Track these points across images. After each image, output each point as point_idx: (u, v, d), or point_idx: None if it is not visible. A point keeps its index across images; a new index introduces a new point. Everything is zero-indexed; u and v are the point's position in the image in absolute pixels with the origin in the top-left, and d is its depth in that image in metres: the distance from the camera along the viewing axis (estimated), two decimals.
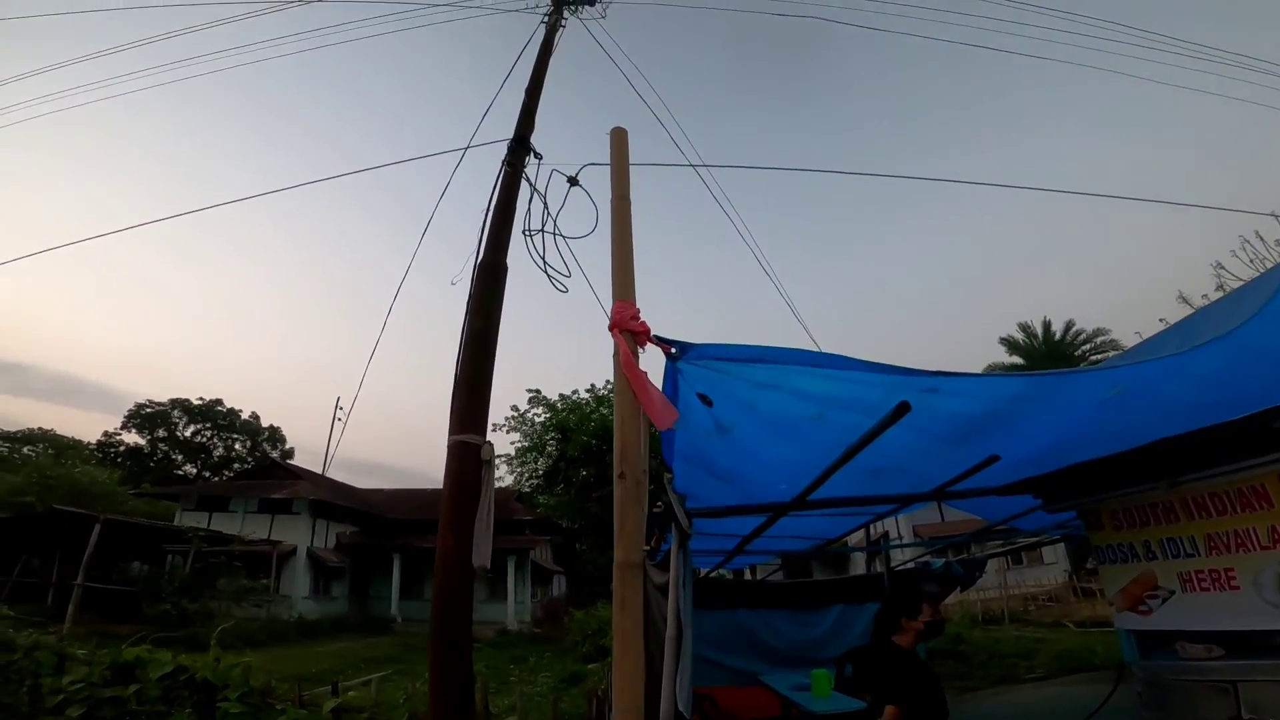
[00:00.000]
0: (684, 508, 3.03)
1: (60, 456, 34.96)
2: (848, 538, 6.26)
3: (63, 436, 42.13)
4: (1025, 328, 30.18)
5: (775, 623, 6.63)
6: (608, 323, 1.83)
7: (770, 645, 6.49)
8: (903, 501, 3.40)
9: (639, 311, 1.83)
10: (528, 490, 26.29)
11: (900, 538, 10.02)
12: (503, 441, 25.25)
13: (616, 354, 1.81)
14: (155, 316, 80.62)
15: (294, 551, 24.49)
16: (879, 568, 8.09)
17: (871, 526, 6.79)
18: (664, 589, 3.46)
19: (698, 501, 3.14)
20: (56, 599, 18.07)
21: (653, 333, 1.75)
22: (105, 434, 43.50)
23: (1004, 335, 30.52)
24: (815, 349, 1.74)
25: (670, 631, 3.25)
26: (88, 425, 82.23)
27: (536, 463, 25.52)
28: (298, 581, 24.12)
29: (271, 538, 24.53)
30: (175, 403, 44.50)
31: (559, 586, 30.32)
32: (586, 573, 25.99)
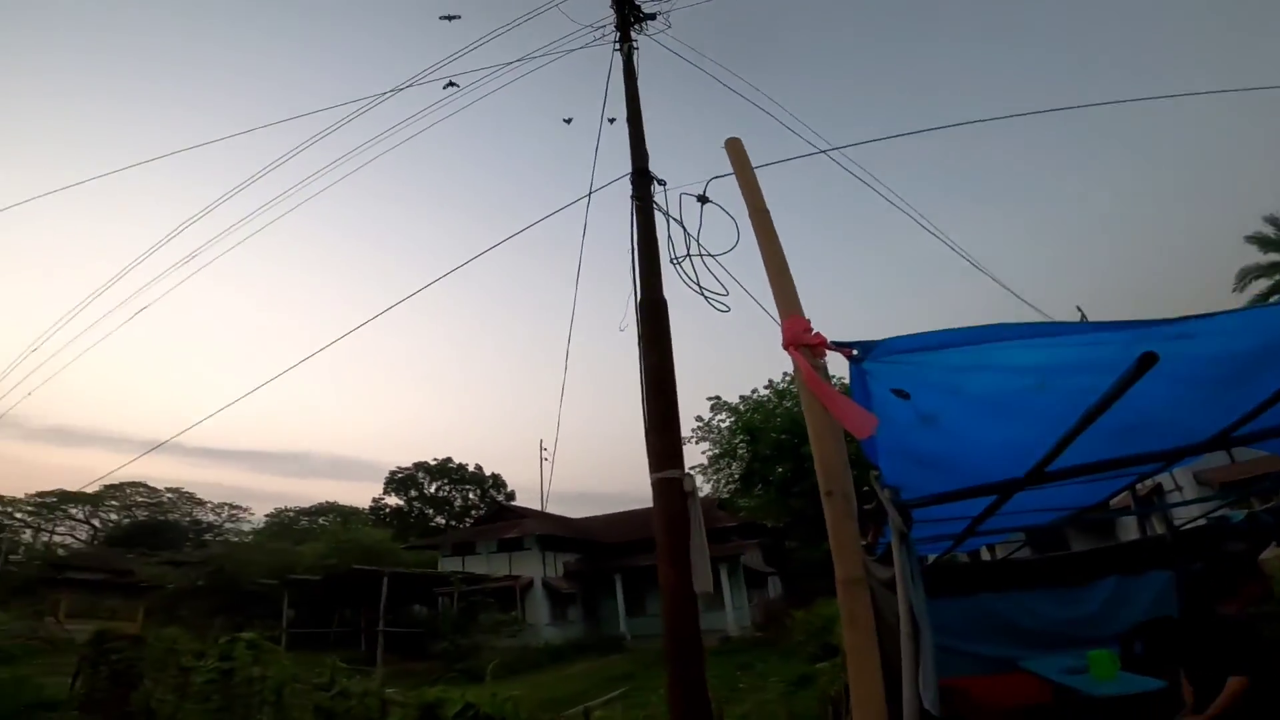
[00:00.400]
0: (898, 501, 2.85)
1: (346, 523, 43.03)
2: (1110, 501, 5.37)
3: (344, 506, 51.96)
4: (1275, 220, 24.09)
5: (1030, 604, 5.85)
6: (781, 340, 1.80)
7: (1026, 628, 5.76)
8: (1171, 458, 2.85)
9: (810, 323, 1.78)
10: (727, 496, 26.48)
11: (1178, 490, 8.21)
12: (693, 452, 25.68)
13: (797, 372, 1.78)
14: (389, 392, 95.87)
15: (531, 584, 27.15)
16: (1156, 529, 6.79)
17: (1137, 485, 5.74)
18: (888, 584, 3.26)
19: (911, 492, 2.93)
20: (366, 643, 21.99)
21: (829, 340, 1.70)
22: (373, 500, 52.29)
23: (1251, 233, 24.69)
24: (1034, 317, 1.57)
25: (905, 630, 3.03)
26: (358, 494, 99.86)
27: (730, 467, 25.67)
28: (539, 610, 26.59)
29: (512, 573, 27.55)
30: (418, 465, 52.17)
31: (774, 588, 29.81)
32: (799, 570, 25.34)
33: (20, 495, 47.79)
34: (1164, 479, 8.04)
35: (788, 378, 25.72)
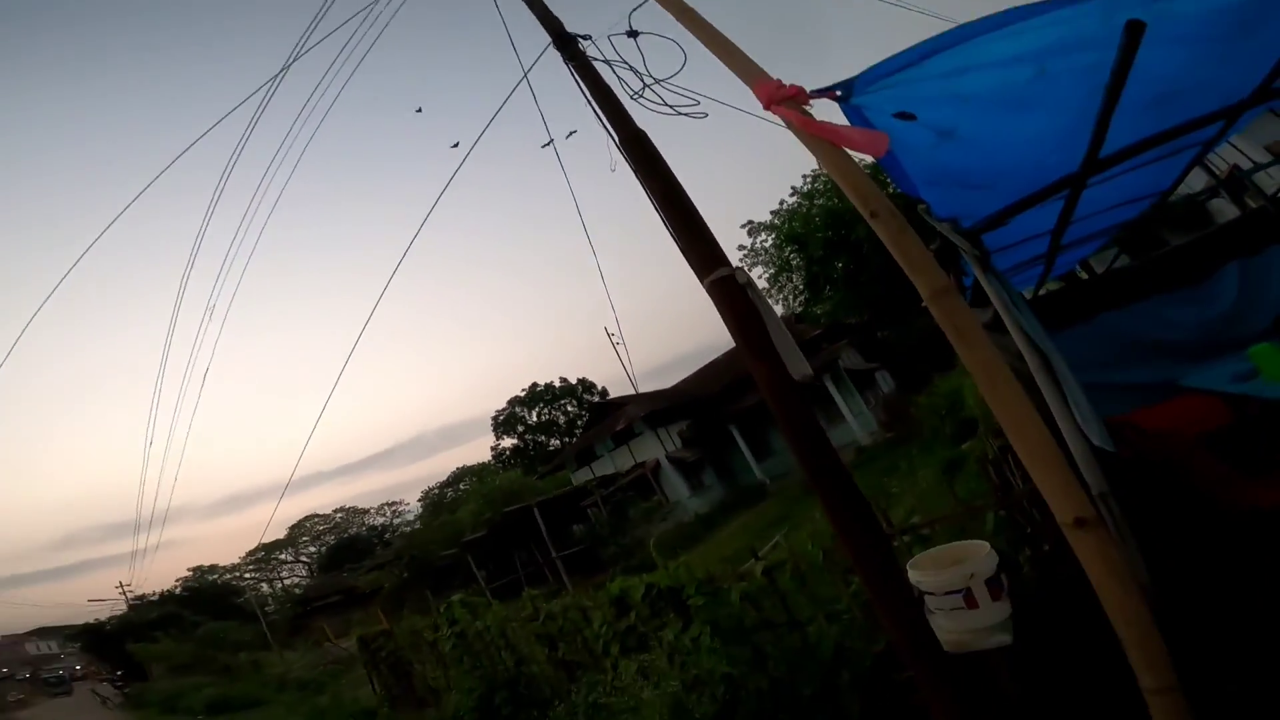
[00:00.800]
0: (960, 230, 2.72)
1: (481, 479, 46.95)
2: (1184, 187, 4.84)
3: (472, 466, 56.60)
4: None
5: (1160, 312, 5.21)
6: (760, 106, 1.72)
7: (1169, 340, 5.11)
8: (1227, 116, 2.55)
9: (781, 81, 1.68)
10: (800, 310, 26.30)
11: (1254, 166, 7.48)
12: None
13: (790, 126, 1.70)
14: (455, 350, 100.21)
15: (658, 465, 28.16)
16: (1251, 206, 6.14)
17: (1214, 169, 5.12)
18: (993, 325, 3.09)
19: (970, 219, 2.79)
20: (550, 574, 24.35)
21: (808, 89, 1.61)
22: (492, 448, 55.96)
23: None
24: None
25: (1033, 363, 2.86)
26: (477, 450, 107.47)
27: (792, 281, 25.44)
28: (675, 487, 27.62)
29: (636, 461, 28.85)
30: (512, 401, 54.73)
31: (884, 382, 28.58)
32: (902, 358, 25.08)
33: (237, 559, 55.93)
34: (1238, 159, 7.30)
35: (806, 178, 24.49)
